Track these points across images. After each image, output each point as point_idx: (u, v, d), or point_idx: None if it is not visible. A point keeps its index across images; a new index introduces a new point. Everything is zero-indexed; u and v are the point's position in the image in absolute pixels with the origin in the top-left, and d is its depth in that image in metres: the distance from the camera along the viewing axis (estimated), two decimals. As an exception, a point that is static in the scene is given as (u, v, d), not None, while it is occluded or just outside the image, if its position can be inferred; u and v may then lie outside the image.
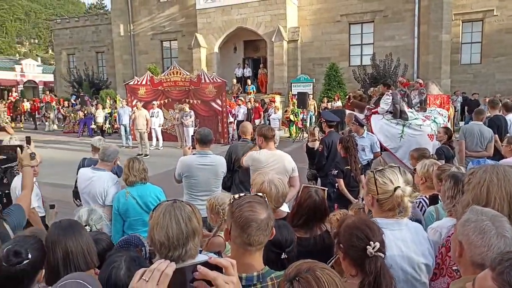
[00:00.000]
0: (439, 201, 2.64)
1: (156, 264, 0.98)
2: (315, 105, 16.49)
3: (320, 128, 6.70)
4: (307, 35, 20.59)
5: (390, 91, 7.31)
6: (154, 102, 13.87)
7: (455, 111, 14.83)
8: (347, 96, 13.56)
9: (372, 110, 7.61)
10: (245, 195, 1.55)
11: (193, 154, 4.00)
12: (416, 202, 2.86)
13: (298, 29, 20.11)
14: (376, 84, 13.67)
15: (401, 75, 15.04)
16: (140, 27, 25.19)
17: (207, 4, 20.88)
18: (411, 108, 7.75)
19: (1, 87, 40.64)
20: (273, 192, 2.31)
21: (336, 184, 4.53)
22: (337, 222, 2.07)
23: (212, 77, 14.53)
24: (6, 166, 3.67)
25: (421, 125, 6.78)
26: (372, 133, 6.36)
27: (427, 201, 2.88)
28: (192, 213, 1.56)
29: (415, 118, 6.92)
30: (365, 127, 6.00)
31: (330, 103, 16.05)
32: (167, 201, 1.60)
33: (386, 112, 7.19)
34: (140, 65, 24.89)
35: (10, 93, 32.54)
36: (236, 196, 1.54)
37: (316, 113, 16.06)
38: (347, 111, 7.91)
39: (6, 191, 3.98)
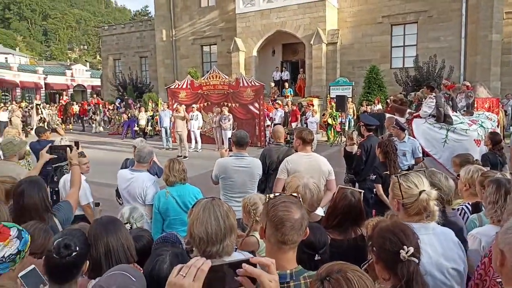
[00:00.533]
0: (483, 209, 2.52)
1: (193, 261, 1.03)
2: (354, 109, 16.17)
3: (358, 132, 6.57)
4: (347, 38, 20.26)
5: (434, 94, 7.04)
6: (193, 105, 14.22)
7: (505, 115, 13.95)
8: (387, 101, 13.22)
9: (414, 114, 7.36)
10: (280, 194, 1.58)
11: (230, 156, 4.07)
12: (458, 209, 2.74)
13: (337, 32, 19.85)
14: (419, 87, 13.20)
15: (446, 77, 14.40)
16: (181, 32, 25.97)
17: (247, 8, 21.14)
18: (456, 112, 7.42)
19: (53, 91, 43.40)
20: (307, 196, 2.31)
21: (375, 190, 4.42)
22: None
23: (250, 80, 14.67)
24: (56, 165, 3.91)
25: (467, 129, 6.47)
26: (414, 137, 6.14)
27: (470, 208, 2.75)
28: (229, 210, 1.62)
29: (461, 122, 6.61)
30: (406, 131, 5.81)
31: (369, 107, 15.67)
32: (206, 198, 1.67)
33: (429, 116, 6.93)
34: (181, 69, 25.63)
35: (61, 97, 34.65)
36: (271, 195, 1.58)
37: (355, 117, 15.75)
38: (387, 115, 7.70)
39: (56, 189, 4.27)
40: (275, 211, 1.49)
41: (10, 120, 17.02)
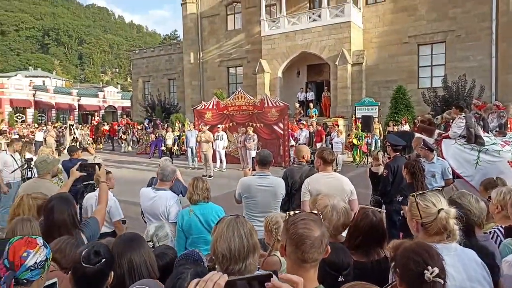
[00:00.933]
0: (517, 232, 2.40)
1: (210, 275, 1.04)
2: (381, 129, 15.92)
3: (384, 152, 6.45)
4: (372, 58, 20.19)
5: (463, 114, 6.85)
6: (219, 126, 14.44)
7: (542, 136, 13.31)
8: (414, 121, 12.94)
9: (443, 135, 7.17)
10: (300, 212, 1.57)
11: (253, 175, 4.08)
12: (490, 232, 2.61)
13: (363, 52, 19.83)
14: (448, 107, 12.88)
15: (477, 97, 13.99)
16: (208, 55, 26.70)
17: (272, 31, 21.55)
18: (488, 133, 7.16)
19: (86, 112, 45.24)
20: (333, 219, 2.28)
21: (402, 212, 4.29)
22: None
23: (274, 101, 14.79)
24: (87, 182, 4.05)
25: (500, 151, 6.21)
26: (443, 158, 5.96)
27: (502, 231, 2.61)
28: (253, 229, 1.62)
29: (493, 143, 6.36)
30: (435, 152, 5.65)
31: (396, 127, 15.40)
32: (230, 215, 1.68)
33: (459, 136, 6.73)
34: (208, 91, 26.20)
35: (93, 117, 36.08)
36: (292, 213, 1.57)
37: (381, 137, 15.48)
38: (416, 134, 7.52)
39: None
40: (295, 228, 1.48)
41: (45, 140, 17.79)
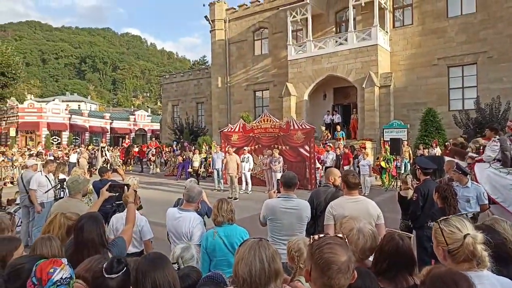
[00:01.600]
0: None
1: None
2: (410, 152, 15.51)
3: (413, 175, 6.25)
4: (401, 80, 19.95)
5: (498, 136, 6.59)
6: (245, 148, 14.52)
7: None
8: (445, 144, 12.55)
9: (477, 158, 6.90)
10: (324, 236, 1.53)
11: (278, 197, 4.05)
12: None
13: (390, 75, 19.65)
14: (481, 129, 12.45)
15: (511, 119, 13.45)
16: (235, 79, 27.25)
17: (298, 55, 21.81)
18: (525, 156, 6.83)
19: (117, 135, 46.79)
20: (360, 242, 2.20)
21: (433, 238, 4.11)
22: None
23: (300, 123, 14.79)
24: (119, 202, 4.15)
25: (538, 175, 5.90)
26: (477, 183, 5.71)
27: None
28: (276, 253, 1.59)
29: (531, 167, 6.06)
30: (469, 176, 5.42)
31: (427, 150, 14.96)
32: (253, 238, 1.65)
33: (494, 160, 6.46)
34: (234, 114, 26.59)
35: (124, 140, 37.22)
36: (316, 236, 1.53)
37: (411, 160, 15.06)
38: (446, 158, 7.26)
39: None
40: (321, 253, 1.44)
41: (78, 161, 18.45)
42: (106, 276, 1.74)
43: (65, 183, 6.07)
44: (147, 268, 1.96)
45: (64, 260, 1.70)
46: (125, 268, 1.77)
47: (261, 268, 1.49)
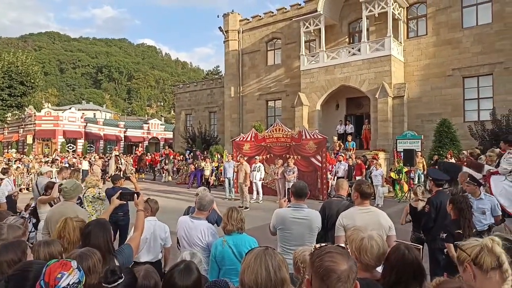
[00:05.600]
0: None
1: None
2: (424, 163, 15.27)
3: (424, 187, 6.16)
4: (414, 91, 19.77)
5: (514, 148, 6.45)
6: (256, 157, 14.53)
7: None
8: (459, 156, 12.33)
9: (492, 171, 6.75)
10: (326, 245, 1.52)
11: (288, 207, 4.03)
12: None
13: (404, 85, 19.49)
14: (497, 141, 12.20)
15: (529, 131, 13.17)
16: (248, 89, 27.41)
17: (311, 65, 21.85)
18: (542, 169, 6.66)
19: (131, 143, 47.37)
20: (375, 249, 2.16)
21: (446, 250, 4.02)
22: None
23: (312, 133, 14.75)
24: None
25: (555, 188, 5.75)
26: (492, 195, 5.59)
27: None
28: (283, 262, 1.58)
29: (547, 180, 5.91)
30: (482, 188, 5.31)
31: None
32: (260, 247, 1.65)
33: (510, 172, 6.31)
34: (247, 123, 26.68)
35: (137, 148, 37.62)
36: (318, 245, 1.52)
37: (425, 171, 14.83)
38: (464, 168, 7.10)
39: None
40: (321, 261, 1.42)
41: (92, 169, 18.71)
42: (104, 285, 1.76)
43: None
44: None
45: (74, 264, 1.72)
46: (120, 279, 1.79)
47: (267, 277, 1.48)
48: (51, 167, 12.87)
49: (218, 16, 28.86)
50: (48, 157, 25.12)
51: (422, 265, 2.16)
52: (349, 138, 19.20)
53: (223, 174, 15.69)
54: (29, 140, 36.18)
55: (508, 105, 15.93)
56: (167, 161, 22.90)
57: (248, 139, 16.07)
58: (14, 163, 18.55)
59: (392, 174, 14.22)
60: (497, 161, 7.97)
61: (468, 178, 5.34)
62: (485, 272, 1.64)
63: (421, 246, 2.38)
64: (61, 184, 5.41)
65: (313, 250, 1.51)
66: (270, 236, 4.22)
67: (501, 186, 5.93)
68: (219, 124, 30.42)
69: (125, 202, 3.87)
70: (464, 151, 13.04)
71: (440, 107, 18.99)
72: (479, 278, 1.68)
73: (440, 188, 5.08)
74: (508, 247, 1.72)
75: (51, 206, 5.35)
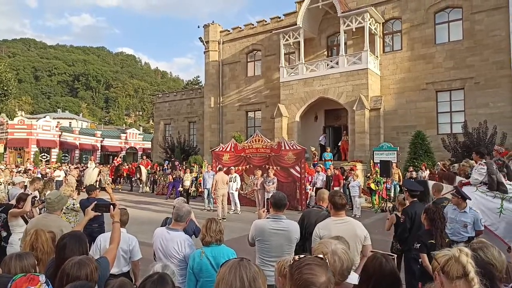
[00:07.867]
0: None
1: None
2: (400, 174, 15.63)
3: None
4: (390, 104, 20.30)
5: (484, 160, 6.71)
6: (231, 168, 14.46)
7: None
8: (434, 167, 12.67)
9: (464, 182, 6.98)
10: (305, 256, 1.53)
11: (267, 218, 4.02)
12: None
13: (380, 98, 19.99)
14: (469, 153, 12.63)
15: (499, 143, 13.71)
16: (228, 99, 27.46)
17: (290, 77, 22.14)
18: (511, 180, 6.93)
19: (108, 153, 46.37)
20: (337, 265, 2.18)
21: (420, 260, 4.10)
22: None
23: (292, 144, 14.87)
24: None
25: (525, 199, 5.99)
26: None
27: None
28: (258, 273, 1.57)
29: (517, 191, 6.15)
30: (468, 201, 5.38)
31: (415, 172, 15.13)
32: (235, 258, 1.64)
33: (480, 183, 6.54)
34: (226, 133, 26.66)
35: (114, 158, 36.85)
36: (297, 257, 1.53)
37: (400, 182, 15.17)
38: (431, 182, 7.25)
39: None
40: (300, 273, 1.44)
41: (66, 179, 18.19)
42: None
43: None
44: None
45: (42, 278, 1.67)
46: None
47: None
48: (23, 177, 12.44)
49: (198, 27, 28.96)
50: (19, 167, 24.26)
51: (398, 274, 2.20)
52: (328, 149, 19.44)
53: (202, 184, 15.55)
54: (1, 149, 34.91)
55: (478, 119, 16.57)
56: (141, 172, 22.46)
57: (228, 149, 16.04)
58: (-16, 173, 17.79)
59: (372, 186, 14.46)
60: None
61: (455, 191, 5.44)
62: (451, 280, 1.69)
63: (395, 256, 2.40)
64: (35, 197, 5.24)
65: (292, 261, 1.52)
66: (248, 247, 4.19)
67: (473, 197, 6.12)
68: (199, 134, 30.25)
69: (100, 214, 3.78)
70: (439, 162, 13.45)
71: (415, 120, 19.55)
72: (446, 287, 1.73)
73: (415, 199, 5.19)
74: (477, 257, 1.77)
75: (24, 219, 5.16)
